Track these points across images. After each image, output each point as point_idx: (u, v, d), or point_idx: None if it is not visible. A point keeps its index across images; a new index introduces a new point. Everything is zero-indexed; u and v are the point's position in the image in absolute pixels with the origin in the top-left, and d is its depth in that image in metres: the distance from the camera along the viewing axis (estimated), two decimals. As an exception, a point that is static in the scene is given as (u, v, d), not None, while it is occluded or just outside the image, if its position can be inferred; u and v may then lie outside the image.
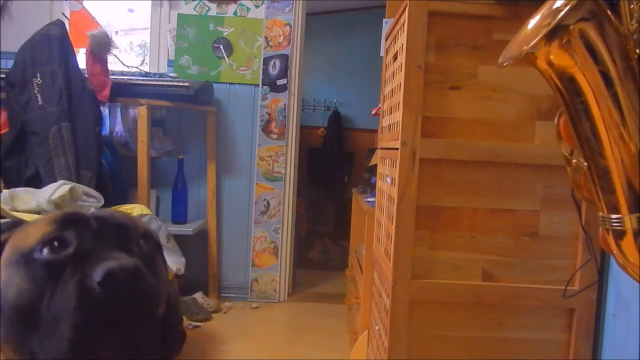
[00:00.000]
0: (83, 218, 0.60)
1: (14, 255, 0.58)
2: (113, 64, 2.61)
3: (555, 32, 0.61)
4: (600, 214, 0.67)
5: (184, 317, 2.51)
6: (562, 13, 0.60)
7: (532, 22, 0.66)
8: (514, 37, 0.69)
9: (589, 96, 0.63)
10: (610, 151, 0.64)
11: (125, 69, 2.77)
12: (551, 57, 0.63)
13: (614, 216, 0.65)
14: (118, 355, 0.54)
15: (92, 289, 0.52)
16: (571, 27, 0.60)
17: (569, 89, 0.64)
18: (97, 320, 0.53)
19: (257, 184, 2.97)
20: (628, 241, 0.64)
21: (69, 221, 0.59)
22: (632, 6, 0.62)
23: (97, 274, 0.52)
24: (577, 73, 0.63)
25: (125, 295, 0.53)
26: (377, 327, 1.47)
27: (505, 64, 0.67)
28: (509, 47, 0.69)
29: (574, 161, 0.70)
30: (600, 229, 0.68)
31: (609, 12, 0.62)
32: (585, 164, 0.67)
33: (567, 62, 0.62)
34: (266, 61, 2.91)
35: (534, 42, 0.62)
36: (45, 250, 0.56)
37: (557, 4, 0.62)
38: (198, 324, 2.53)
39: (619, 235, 0.65)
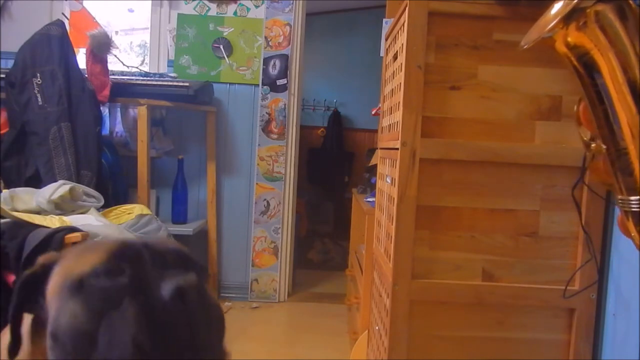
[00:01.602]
0: (138, 252, 0.59)
1: (65, 282, 0.58)
2: (113, 64, 2.61)
3: (572, 15, 0.61)
4: (619, 196, 0.67)
5: (184, 317, 2.51)
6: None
7: (556, 7, 0.66)
8: (537, 21, 0.69)
9: (607, 78, 0.63)
10: (629, 132, 0.63)
11: (125, 69, 2.77)
12: (569, 39, 0.63)
13: (633, 198, 0.64)
14: None
15: (163, 303, 0.53)
16: (588, 10, 0.61)
17: (587, 71, 0.64)
18: (168, 332, 0.53)
19: (257, 184, 2.97)
20: None
21: (123, 253, 0.59)
22: None
23: (167, 290, 0.54)
24: (595, 55, 0.63)
25: (196, 306, 0.55)
26: (377, 327, 1.47)
27: (525, 47, 0.67)
28: (531, 30, 0.69)
29: (592, 145, 0.70)
30: (619, 213, 0.68)
31: None
32: (604, 146, 0.67)
33: (584, 43, 0.63)
34: (266, 61, 2.91)
35: (550, 25, 0.62)
36: (101, 278, 0.56)
37: None
38: (198, 324, 2.53)
39: (639, 216, 0.64)
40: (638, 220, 0.65)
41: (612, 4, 0.61)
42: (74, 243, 1.58)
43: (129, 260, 0.58)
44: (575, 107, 0.72)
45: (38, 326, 0.61)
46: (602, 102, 0.64)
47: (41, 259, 0.63)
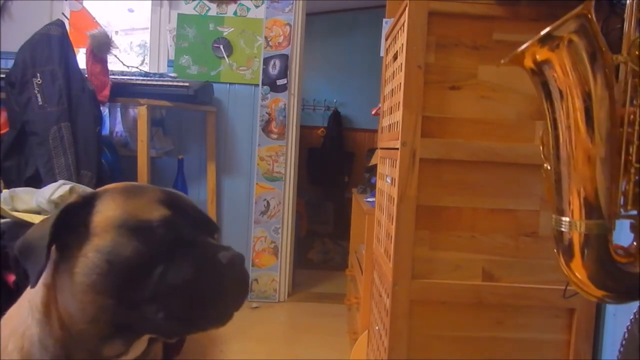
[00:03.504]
0: (186, 207, 0.73)
1: (128, 221, 0.67)
2: (113, 64, 2.61)
3: (548, 38, 0.65)
4: (553, 215, 0.71)
5: (184, 317, 2.51)
6: (557, 23, 0.64)
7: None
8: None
9: (566, 100, 0.67)
10: (571, 156, 0.67)
11: (125, 69, 2.77)
12: (537, 56, 0.67)
13: (564, 218, 0.69)
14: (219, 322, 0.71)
15: (221, 266, 0.67)
16: (564, 35, 0.65)
17: (549, 93, 0.68)
18: (219, 290, 0.68)
19: (257, 184, 2.97)
20: (573, 246, 0.69)
21: (176, 207, 0.71)
22: (639, 42, 0.66)
23: (228, 257, 0.68)
24: (559, 80, 0.67)
25: (240, 275, 0.70)
26: (377, 327, 1.47)
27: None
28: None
29: (545, 165, 0.72)
30: (553, 228, 0.72)
31: (599, 36, 0.66)
32: (548, 167, 0.72)
33: (552, 62, 0.66)
34: (266, 61, 2.91)
35: (527, 44, 0.66)
36: (165, 228, 0.68)
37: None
38: (198, 324, 2.52)
39: (566, 236, 0.69)
40: (565, 239, 0.69)
41: (585, 42, 0.65)
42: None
43: (184, 217, 0.70)
44: (542, 131, 0.74)
45: (68, 249, 0.68)
46: (556, 124, 0.68)
47: (73, 195, 0.71)
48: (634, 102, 0.67)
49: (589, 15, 0.64)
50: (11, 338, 0.69)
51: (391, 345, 1.20)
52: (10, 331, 0.70)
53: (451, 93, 1.18)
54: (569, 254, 0.69)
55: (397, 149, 1.19)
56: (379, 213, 1.57)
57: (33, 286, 0.66)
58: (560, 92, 0.67)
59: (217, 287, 0.68)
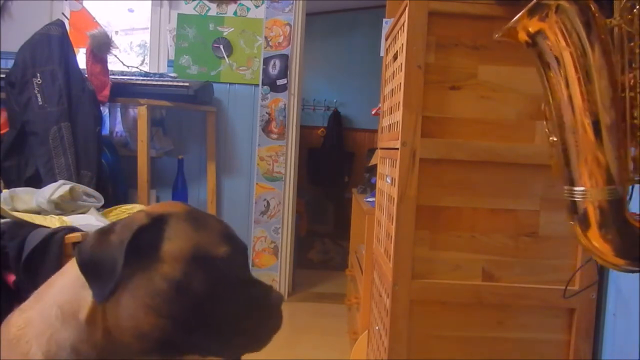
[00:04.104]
0: (237, 240, 0.78)
1: (198, 254, 0.70)
2: (113, 64, 2.61)
3: (537, 8, 0.65)
4: (565, 187, 0.70)
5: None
6: None
7: None
8: None
9: (564, 68, 0.66)
10: (576, 126, 0.66)
11: (125, 69, 2.77)
12: (530, 28, 0.66)
13: (576, 188, 0.68)
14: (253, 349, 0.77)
15: (271, 306, 0.77)
16: (551, 3, 0.64)
17: (547, 64, 0.68)
18: (267, 326, 0.77)
19: (257, 184, 2.97)
20: (588, 214, 0.68)
21: (233, 241, 0.75)
22: (629, 5, 0.64)
23: (275, 298, 0.78)
24: (554, 49, 0.66)
25: (281, 314, 0.79)
26: (377, 327, 1.47)
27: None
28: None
29: (551, 138, 0.72)
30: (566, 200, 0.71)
31: (591, 2, 0.65)
32: (554, 138, 0.71)
33: (545, 32, 0.66)
34: (266, 61, 2.91)
35: (517, 16, 0.66)
36: (228, 263, 0.72)
37: None
38: (198, 324, 2.52)
39: (580, 206, 0.68)
40: (580, 209, 0.68)
41: (576, 7, 0.64)
42: (75, 243, 1.58)
43: (239, 255, 0.76)
44: (543, 104, 0.73)
45: (132, 268, 0.68)
46: (557, 94, 0.68)
47: (140, 214, 0.71)
48: (633, 65, 0.66)
49: None
50: (35, 340, 0.69)
51: (391, 345, 1.20)
52: (35, 334, 0.70)
53: (451, 93, 1.18)
54: (585, 223, 0.68)
55: (397, 149, 1.19)
56: (379, 213, 1.57)
57: (101, 301, 0.67)
58: (557, 60, 0.66)
59: (267, 324, 0.76)
